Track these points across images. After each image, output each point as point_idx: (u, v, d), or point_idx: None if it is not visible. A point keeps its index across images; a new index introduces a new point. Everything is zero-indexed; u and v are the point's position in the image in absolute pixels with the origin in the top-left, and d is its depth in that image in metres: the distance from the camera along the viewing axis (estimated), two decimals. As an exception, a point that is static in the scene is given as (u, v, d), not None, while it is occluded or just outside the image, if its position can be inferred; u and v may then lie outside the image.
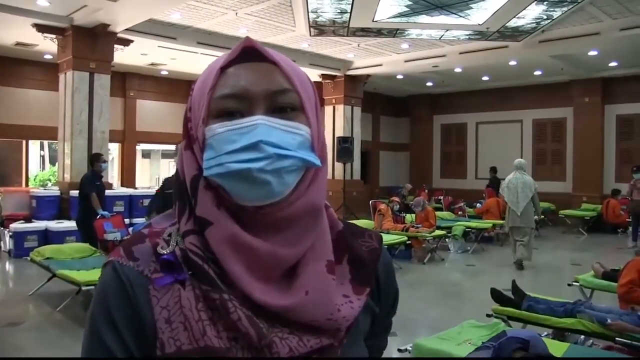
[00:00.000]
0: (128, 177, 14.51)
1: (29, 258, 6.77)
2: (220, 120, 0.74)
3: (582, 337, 4.16)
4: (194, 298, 0.73)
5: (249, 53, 0.77)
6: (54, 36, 9.73)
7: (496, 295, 4.69)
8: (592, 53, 11.86)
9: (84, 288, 5.26)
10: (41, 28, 9.50)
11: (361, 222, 10.00)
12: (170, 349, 0.72)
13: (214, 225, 0.75)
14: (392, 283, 0.93)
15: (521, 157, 16.16)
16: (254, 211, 0.75)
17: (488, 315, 4.57)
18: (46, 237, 8.88)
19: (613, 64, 13.24)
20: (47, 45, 10.39)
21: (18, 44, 10.94)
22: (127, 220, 8.80)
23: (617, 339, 3.82)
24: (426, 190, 14.99)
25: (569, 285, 5.68)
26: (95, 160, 7.53)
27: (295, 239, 0.77)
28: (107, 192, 9.83)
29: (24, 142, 12.92)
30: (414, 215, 10.56)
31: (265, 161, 0.71)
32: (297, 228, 0.77)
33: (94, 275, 5.48)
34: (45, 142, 16.54)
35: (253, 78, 0.75)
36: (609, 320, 3.87)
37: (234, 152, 0.72)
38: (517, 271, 8.29)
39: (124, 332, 0.74)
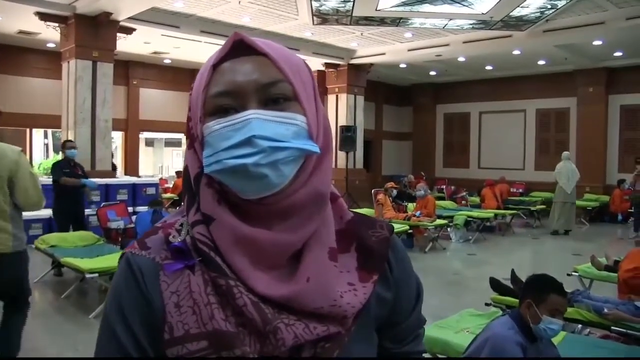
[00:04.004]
0: (131, 165, 14.59)
1: (33, 246, 6.81)
2: (216, 117, 0.76)
3: (579, 326, 4.20)
4: (203, 283, 0.75)
5: (240, 47, 0.78)
6: (56, 24, 9.74)
7: (495, 284, 4.72)
8: (597, 43, 11.80)
9: (87, 276, 5.30)
10: (44, 16, 9.50)
11: (363, 211, 9.99)
12: (178, 332, 0.73)
13: (216, 221, 0.77)
14: (407, 271, 0.91)
15: (524, 147, 16.33)
16: (257, 202, 0.76)
17: (487, 304, 4.60)
18: (50, 225, 8.91)
19: (618, 53, 13.17)
20: (50, 34, 10.40)
21: (21, 32, 10.95)
22: (130, 209, 8.84)
23: (613, 328, 3.86)
24: (424, 178, 14.96)
25: (568, 275, 5.70)
26: (64, 147, 7.30)
27: (298, 225, 0.77)
28: (111, 180, 9.90)
29: (27, 130, 12.99)
30: (415, 204, 10.59)
31: (259, 155, 0.72)
32: (300, 216, 0.77)
33: (98, 263, 5.53)
34: (49, 131, 16.57)
35: (243, 73, 0.76)
36: (605, 310, 3.91)
37: (229, 148, 0.73)
38: (555, 239, 10.88)
39: (133, 323, 0.77)
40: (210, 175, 0.77)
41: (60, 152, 7.60)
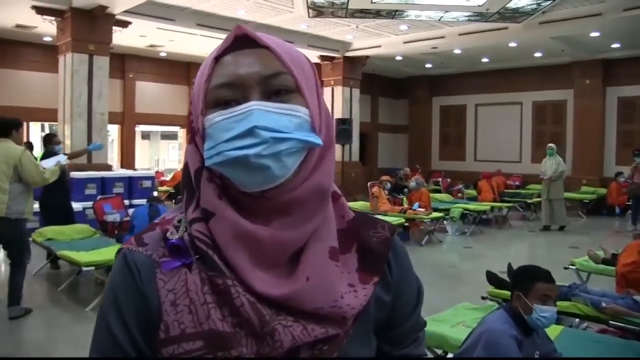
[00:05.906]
0: (127, 158, 14.56)
1: (31, 239, 6.78)
2: (218, 109, 0.74)
3: (577, 320, 4.20)
4: (200, 281, 0.74)
5: (242, 40, 0.77)
6: (53, 18, 9.70)
7: (491, 277, 4.72)
8: (594, 34, 11.77)
9: (84, 269, 5.31)
10: (40, 10, 9.47)
11: (358, 204, 10.08)
12: (174, 331, 0.72)
13: (216, 216, 0.75)
14: (408, 273, 0.90)
15: (520, 139, 16.32)
16: (258, 196, 0.74)
17: (483, 298, 4.60)
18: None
19: (615, 45, 13.13)
20: (47, 27, 10.36)
21: (18, 26, 10.93)
22: (126, 202, 8.82)
23: (610, 322, 3.85)
24: (419, 171, 14.96)
25: (565, 268, 5.71)
26: (48, 142, 7.09)
27: (300, 222, 0.76)
28: (107, 173, 9.87)
29: (24, 124, 12.90)
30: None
31: (262, 146, 0.70)
32: (302, 212, 0.76)
33: (94, 256, 5.53)
34: (46, 124, 16.55)
35: (246, 65, 0.75)
36: (603, 304, 3.89)
37: (231, 139, 0.71)
38: (552, 233, 10.25)
39: (129, 319, 0.76)
40: (212, 170, 0.76)
41: (44, 147, 7.27)
